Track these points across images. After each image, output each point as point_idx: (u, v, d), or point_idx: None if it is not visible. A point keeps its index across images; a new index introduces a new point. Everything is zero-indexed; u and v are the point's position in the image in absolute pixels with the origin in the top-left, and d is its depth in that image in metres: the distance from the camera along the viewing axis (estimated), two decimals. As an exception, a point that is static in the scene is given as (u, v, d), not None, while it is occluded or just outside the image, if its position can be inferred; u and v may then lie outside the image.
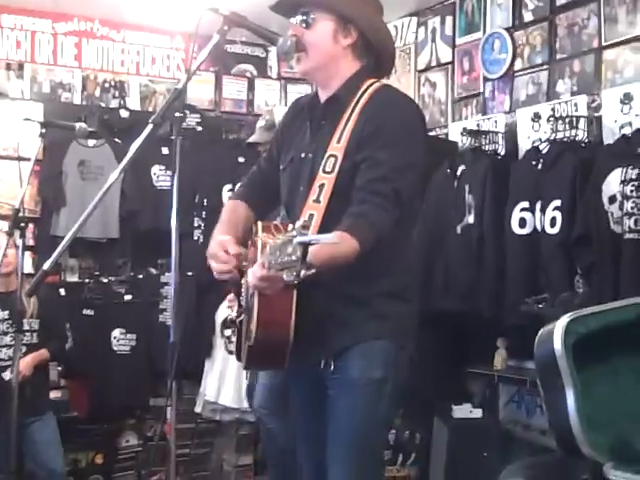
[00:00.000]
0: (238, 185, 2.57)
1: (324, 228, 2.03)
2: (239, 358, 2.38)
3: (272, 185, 2.38)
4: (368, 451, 2.24)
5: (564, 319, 1.76)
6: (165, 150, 4.99)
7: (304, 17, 2.20)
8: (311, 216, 2.07)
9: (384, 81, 2.29)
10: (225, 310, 3.90)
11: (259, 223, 2.18)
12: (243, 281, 2.28)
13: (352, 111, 2.16)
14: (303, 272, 1.65)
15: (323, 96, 2.28)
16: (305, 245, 1.62)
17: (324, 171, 2.12)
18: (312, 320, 2.08)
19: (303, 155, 2.26)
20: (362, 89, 2.20)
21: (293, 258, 1.63)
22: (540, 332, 1.80)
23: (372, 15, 2.28)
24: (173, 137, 2.13)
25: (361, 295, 2.15)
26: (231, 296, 3.15)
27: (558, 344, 1.78)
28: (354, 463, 2.20)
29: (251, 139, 3.45)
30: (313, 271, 1.71)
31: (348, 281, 2.07)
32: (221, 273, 2.15)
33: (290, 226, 1.69)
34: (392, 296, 2.20)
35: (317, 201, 2.10)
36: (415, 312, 2.28)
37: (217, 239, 2.19)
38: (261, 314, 2.04)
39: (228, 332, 4.91)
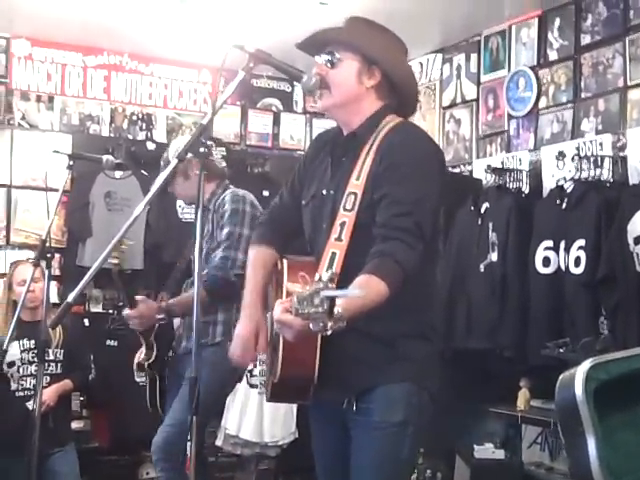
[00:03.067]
0: (259, 222, 2.59)
1: (347, 266, 2.04)
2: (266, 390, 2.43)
3: (294, 218, 2.38)
4: None
5: (585, 364, 1.74)
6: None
7: (329, 57, 2.21)
8: (333, 254, 2.08)
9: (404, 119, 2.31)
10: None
11: (285, 262, 2.20)
12: (268, 315, 2.31)
13: (370, 148, 2.18)
14: (330, 324, 1.66)
15: (345, 132, 2.30)
16: (332, 299, 1.63)
17: (344, 209, 2.13)
18: (336, 359, 2.09)
19: (325, 192, 2.26)
20: (380, 126, 2.21)
21: (320, 310, 1.64)
22: (561, 377, 1.78)
23: (397, 57, 2.30)
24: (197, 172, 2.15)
25: (384, 335, 2.14)
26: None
27: (579, 390, 1.76)
28: None
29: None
30: (344, 324, 1.72)
31: (372, 320, 2.03)
32: (238, 363, 2.34)
33: (317, 276, 1.69)
34: (416, 336, 2.19)
35: (339, 239, 2.10)
36: (438, 352, 2.27)
37: (249, 328, 2.28)
38: (286, 352, 2.06)
39: (250, 365, 4.92)
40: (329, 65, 2.21)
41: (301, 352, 2.05)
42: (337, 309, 1.66)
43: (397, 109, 2.29)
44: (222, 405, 4.23)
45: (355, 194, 2.14)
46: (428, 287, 2.25)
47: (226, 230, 3.28)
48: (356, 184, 2.14)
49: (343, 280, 1.91)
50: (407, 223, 2.05)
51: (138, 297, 3.22)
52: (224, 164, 3.60)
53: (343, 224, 2.11)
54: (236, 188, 3.50)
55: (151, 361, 3.41)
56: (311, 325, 1.69)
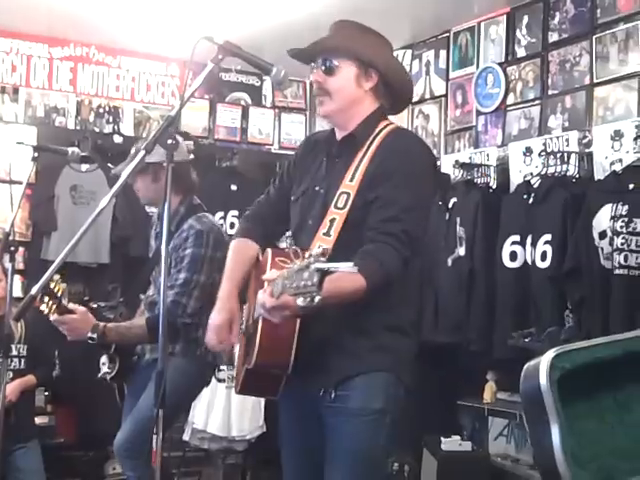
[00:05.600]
0: (244, 216, 2.57)
1: (332, 261, 2.05)
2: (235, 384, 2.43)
3: (281, 215, 2.41)
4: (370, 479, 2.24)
5: (549, 354, 1.76)
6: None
7: (327, 64, 2.24)
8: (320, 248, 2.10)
9: (396, 123, 2.35)
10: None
11: (269, 250, 2.22)
12: (245, 307, 2.35)
13: (366, 151, 2.22)
14: (318, 298, 1.65)
15: (339, 134, 2.34)
16: (323, 272, 1.63)
17: (336, 206, 2.17)
18: (316, 348, 2.12)
19: (317, 188, 2.30)
20: (377, 130, 2.26)
21: (309, 283, 1.63)
22: (525, 367, 1.80)
23: (388, 56, 2.36)
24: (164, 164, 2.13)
25: (367, 327, 2.18)
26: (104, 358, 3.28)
27: (543, 379, 1.78)
28: None
29: (116, 172, 3.31)
30: (317, 305, 1.73)
31: (354, 312, 2.11)
32: (213, 348, 2.35)
33: (307, 253, 1.71)
34: (396, 330, 2.23)
35: (327, 234, 2.14)
36: (415, 347, 2.31)
37: (223, 316, 2.29)
38: (263, 339, 2.07)
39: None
40: (327, 73, 2.24)
41: (278, 339, 2.07)
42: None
43: (392, 105, 2.34)
44: (188, 407, 4.20)
45: (348, 194, 2.18)
46: (410, 284, 2.29)
47: (182, 275, 3.16)
48: (349, 185, 2.19)
49: None
50: (396, 229, 2.09)
51: (80, 308, 3.10)
52: (195, 177, 3.45)
53: (333, 220, 2.15)
54: (201, 212, 3.31)
55: (112, 375, 3.33)
56: (299, 300, 1.68)
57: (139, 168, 3.24)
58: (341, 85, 2.24)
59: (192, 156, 3.51)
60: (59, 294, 2.99)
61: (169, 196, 2.15)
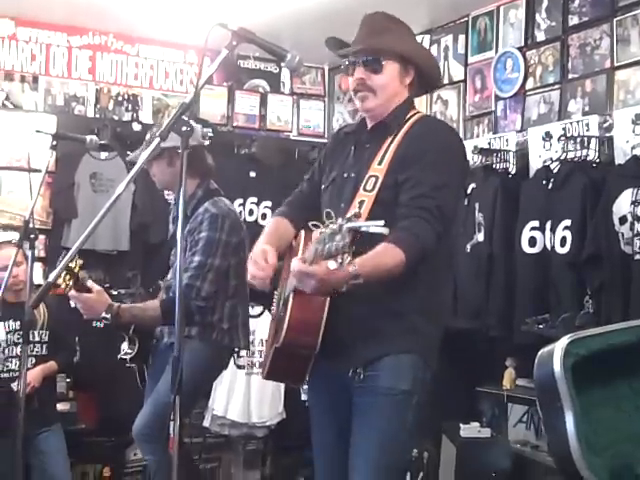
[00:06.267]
0: (283, 203, 2.61)
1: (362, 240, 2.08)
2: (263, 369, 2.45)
3: (313, 207, 2.45)
4: (395, 459, 2.27)
5: (564, 340, 1.75)
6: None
7: (372, 63, 2.30)
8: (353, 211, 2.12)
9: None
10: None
11: (302, 233, 2.28)
12: (275, 292, 2.36)
13: (395, 136, 2.28)
14: (348, 259, 1.66)
15: (370, 123, 2.39)
16: (354, 231, 1.65)
17: (364, 189, 2.22)
18: (346, 328, 2.16)
19: (346, 175, 2.35)
20: (407, 117, 2.33)
21: (341, 244, 1.65)
22: (540, 353, 1.79)
23: (420, 48, 2.47)
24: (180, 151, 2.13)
25: (398, 309, 2.21)
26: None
27: (557, 366, 1.76)
28: (382, 470, 2.22)
29: (132, 158, 3.30)
30: (360, 280, 1.77)
31: (387, 293, 2.13)
32: (254, 278, 2.20)
33: (339, 219, 1.73)
34: (427, 314, 2.26)
35: (357, 215, 2.15)
36: (441, 334, 2.33)
37: (260, 246, 2.26)
38: (293, 317, 2.10)
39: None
40: (372, 71, 2.30)
41: (308, 318, 2.09)
42: (352, 266, 1.68)
43: (419, 89, 2.43)
44: (206, 391, 4.22)
45: (376, 177, 2.23)
46: (442, 266, 2.31)
47: (197, 258, 3.17)
48: (378, 168, 2.24)
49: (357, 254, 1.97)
50: (429, 204, 2.13)
51: (97, 287, 3.12)
52: (210, 161, 3.46)
53: (362, 202, 2.19)
54: (217, 197, 3.32)
55: (132, 356, 3.36)
56: (330, 263, 1.71)
57: (154, 154, 3.29)
58: (386, 82, 2.32)
59: (207, 141, 3.52)
60: (76, 270, 3.02)
61: (184, 181, 2.15)
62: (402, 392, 2.20)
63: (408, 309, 2.22)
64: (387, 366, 2.20)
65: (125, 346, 3.39)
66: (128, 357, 3.36)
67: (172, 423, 2.15)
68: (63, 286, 3.00)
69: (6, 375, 4.03)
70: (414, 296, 2.20)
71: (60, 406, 4.55)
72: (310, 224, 2.14)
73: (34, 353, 4.05)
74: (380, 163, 2.24)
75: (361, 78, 2.31)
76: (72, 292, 3.05)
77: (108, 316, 3.11)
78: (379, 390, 2.20)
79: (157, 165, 3.31)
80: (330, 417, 2.37)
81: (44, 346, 4.13)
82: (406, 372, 2.21)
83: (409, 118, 2.33)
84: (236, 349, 3.48)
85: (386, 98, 2.33)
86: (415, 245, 2.06)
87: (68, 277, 2.99)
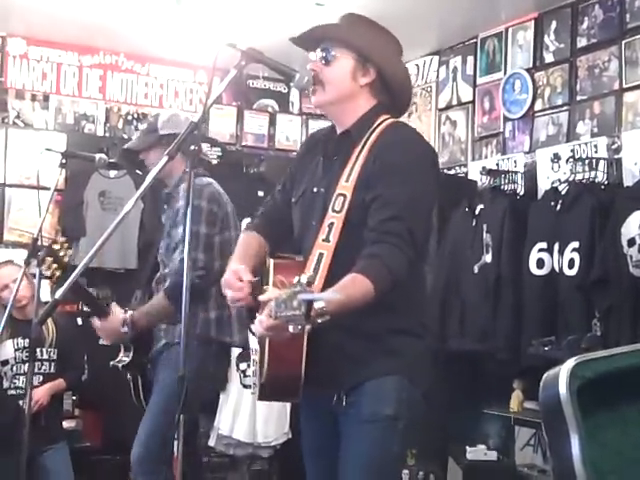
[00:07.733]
0: (254, 215, 2.56)
1: (334, 267, 2.04)
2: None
3: (285, 217, 2.38)
4: None
5: (570, 362, 1.73)
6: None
7: (324, 53, 2.20)
8: (321, 255, 2.08)
9: (399, 119, 2.30)
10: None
11: (271, 261, 2.18)
12: (258, 314, 2.30)
13: (362, 148, 2.17)
14: (308, 327, 1.68)
15: (338, 130, 2.29)
16: (309, 302, 1.66)
17: (333, 210, 2.13)
18: (324, 356, 2.09)
19: (315, 189, 2.25)
20: (374, 125, 2.20)
21: (297, 313, 1.67)
22: (545, 376, 1.77)
23: (392, 56, 2.28)
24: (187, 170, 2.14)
25: (372, 331, 2.13)
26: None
27: (563, 388, 1.74)
28: None
29: (130, 145, 3.32)
30: (327, 318, 1.73)
31: (359, 316, 2.04)
32: (235, 301, 2.14)
33: (296, 278, 1.71)
34: (404, 332, 2.18)
35: (326, 240, 2.10)
36: (429, 348, 2.26)
37: (231, 268, 2.18)
38: (272, 353, 2.06)
39: (243, 366, 4.91)
40: (324, 62, 2.19)
41: (287, 351, 2.04)
42: (319, 304, 1.68)
43: (390, 108, 2.27)
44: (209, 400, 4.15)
45: (344, 195, 2.13)
46: (417, 285, 2.24)
47: (182, 229, 3.02)
48: (345, 185, 2.13)
49: (331, 281, 1.94)
50: (399, 228, 2.03)
51: (112, 309, 3.10)
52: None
53: (331, 225, 2.11)
54: (201, 176, 3.18)
55: (126, 363, 3.31)
56: (290, 327, 1.72)
57: (150, 143, 3.27)
58: (335, 76, 2.18)
59: (215, 160, 3.52)
60: (61, 254, 3.01)
61: (187, 178, 2.17)
62: (386, 417, 2.13)
63: (382, 330, 2.14)
64: (369, 391, 2.13)
65: (121, 354, 3.35)
66: (120, 365, 3.31)
67: (176, 442, 2.14)
68: (47, 273, 3.00)
69: (13, 392, 4.03)
70: (385, 317, 2.10)
71: (66, 424, 4.54)
72: (277, 256, 2.15)
73: (42, 371, 4.05)
74: (347, 180, 2.13)
75: (313, 70, 2.18)
76: (95, 323, 3.08)
77: (126, 329, 3.09)
78: (362, 417, 2.13)
79: (154, 153, 3.26)
80: (319, 442, 2.32)
81: (52, 364, 4.13)
82: (388, 395, 2.14)
83: (376, 127, 2.18)
84: (227, 341, 3.23)
85: (336, 96, 2.19)
86: (386, 277, 1.98)
87: (52, 262, 2.99)
